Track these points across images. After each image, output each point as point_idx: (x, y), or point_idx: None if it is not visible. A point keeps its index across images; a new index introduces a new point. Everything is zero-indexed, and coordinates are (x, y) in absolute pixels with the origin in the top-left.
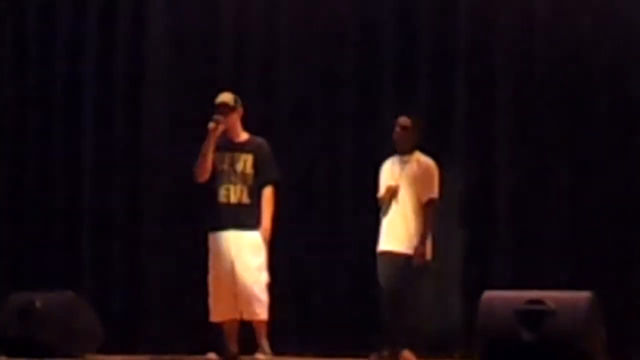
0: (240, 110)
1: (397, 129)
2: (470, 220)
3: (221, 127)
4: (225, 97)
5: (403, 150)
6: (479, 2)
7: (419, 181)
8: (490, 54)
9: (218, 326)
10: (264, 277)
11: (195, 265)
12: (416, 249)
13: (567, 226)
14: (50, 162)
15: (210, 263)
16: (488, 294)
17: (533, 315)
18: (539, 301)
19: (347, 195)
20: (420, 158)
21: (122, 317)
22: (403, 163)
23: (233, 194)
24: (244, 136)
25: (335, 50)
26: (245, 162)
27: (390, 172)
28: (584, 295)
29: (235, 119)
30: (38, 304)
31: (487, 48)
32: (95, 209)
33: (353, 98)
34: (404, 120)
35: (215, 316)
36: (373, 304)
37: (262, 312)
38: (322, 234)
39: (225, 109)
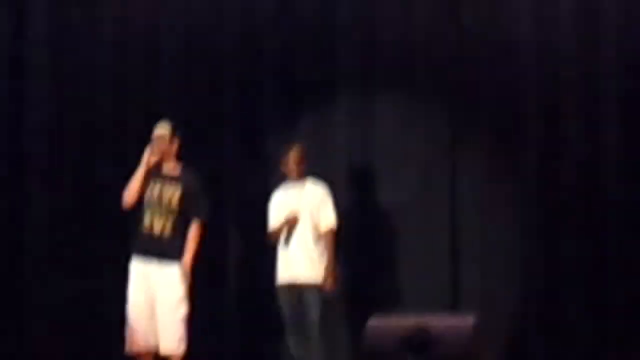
0: (176, 142)
1: (293, 158)
2: (349, 244)
3: (154, 159)
4: (163, 129)
5: (297, 178)
6: None
7: (316, 209)
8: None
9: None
10: (181, 311)
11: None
12: (326, 278)
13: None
14: None
15: (130, 291)
16: (374, 319)
17: (418, 340)
18: (423, 327)
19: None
20: (313, 185)
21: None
22: (297, 191)
23: (157, 224)
24: (176, 168)
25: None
26: (173, 195)
27: (284, 203)
28: (467, 319)
29: (171, 151)
30: None
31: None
32: None
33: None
34: (297, 149)
35: (130, 346)
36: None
37: (178, 347)
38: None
39: (161, 141)
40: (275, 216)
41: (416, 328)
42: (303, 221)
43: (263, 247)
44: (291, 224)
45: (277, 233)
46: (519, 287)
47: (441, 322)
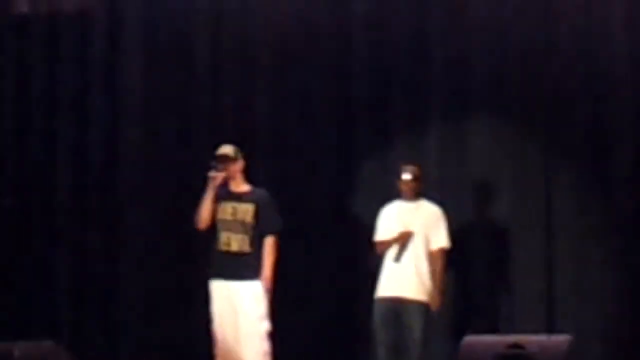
0: (241, 161)
1: (407, 178)
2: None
3: (220, 178)
4: (226, 149)
5: (411, 198)
6: None
7: (430, 229)
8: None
9: None
10: (264, 326)
11: (174, 310)
12: (433, 296)
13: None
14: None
15: (213, 311)
16: (468, 338)
17: (513, 359)
18: (518, 345)
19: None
20: (428, 205)
21: None
22: (412, 210)
23: (234, 242)
24: (245, 187)
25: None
26: (247, 212)
27: (397, 218)
28: (562, 339)
29: (236, 169)
30: (17, 353)
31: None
32: (71, 257)
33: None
34: (413, 169)
35: None
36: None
37: None
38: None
39: (225, 159)
40: (386, 229)
41: (511, 346)
42: (416, 239)
43: (351, 263)
44: (405, 240)
45: (385, 245)
46: (613, 310)
47: (536, 341)
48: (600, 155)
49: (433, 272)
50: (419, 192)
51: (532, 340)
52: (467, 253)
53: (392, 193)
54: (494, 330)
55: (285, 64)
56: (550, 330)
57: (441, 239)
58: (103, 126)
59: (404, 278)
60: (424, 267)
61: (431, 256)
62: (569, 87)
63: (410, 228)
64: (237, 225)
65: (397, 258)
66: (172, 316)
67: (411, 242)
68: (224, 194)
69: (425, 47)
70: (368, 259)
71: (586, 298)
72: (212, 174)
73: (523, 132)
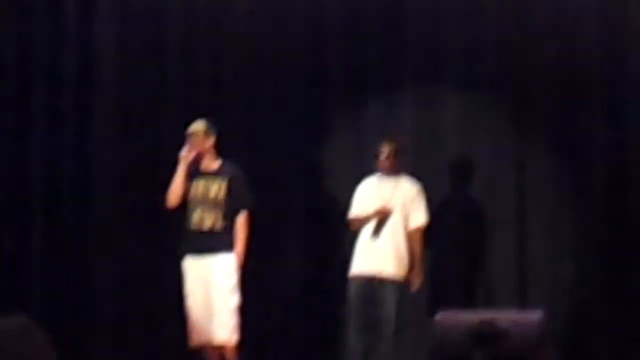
0: (212, 137)
1: (388, 154)
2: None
3: (191, 156)
4: (196, 126)
5: (390, 174)
6: None
7: (409, 206)
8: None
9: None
10: (234, 300)
11: (148, 286)
12: (414, 274)
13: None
14: None
15: (186, 289)
16: (442, 314)
17: (485, 335)
18: (490, 321)
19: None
20: (408, 181)
21: (75, 340)
22: (392, 186)
23: (207, 219)
24: (217, 163)
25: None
26: (219, 188)
27: (376, 194)
28: (533, 313)
29: (208, 146)
30: None
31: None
32: (44, 228)
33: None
34: (394, 144)
35: (193, 340)
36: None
37: (230, 337)
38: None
39: (196, 138)
40: (363, 205)
41: (483, 322)
42: (395, 216)
43: (323, 239)
44: (383, 216)
45: (361, 221)
46: (585, 283)
47: (508, 316)
48: (574, 129)
49: (413, 251)
50: (398, 168)
51: (504, 315)
52: (441, 229)
53: (365, 168)
54: (469, 307)
55: (256, 35)
56: (523, 304)
57: (421, 217)
58: (75, 95)
59: (382, 255)
60: (402, 245)
61: (410, 234)
62: (543, 60)
63: (390, 205)
64: (210, 202)
65: (375, 233)
66: (145, 293)
67: (390, 219)
68: (196, 172)
69: (400, 20)
70: (341, 236)
71: (558, 273)
72: (182, 152)
73: (497, 107)
